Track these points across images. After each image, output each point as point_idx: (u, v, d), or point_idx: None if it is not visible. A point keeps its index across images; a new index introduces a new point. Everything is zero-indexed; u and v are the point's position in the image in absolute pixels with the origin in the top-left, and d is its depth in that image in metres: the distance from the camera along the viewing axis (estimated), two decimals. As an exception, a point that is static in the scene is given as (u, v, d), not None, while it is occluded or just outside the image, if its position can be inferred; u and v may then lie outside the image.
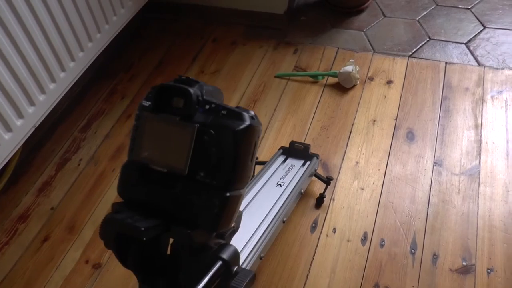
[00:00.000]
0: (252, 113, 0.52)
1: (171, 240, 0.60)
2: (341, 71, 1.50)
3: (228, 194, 0.51)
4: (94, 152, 1.46)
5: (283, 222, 0.97)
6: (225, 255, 0.56)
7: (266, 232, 0.87)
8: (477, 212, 1.18)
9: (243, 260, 0.82)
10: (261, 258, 0.85)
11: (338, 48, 1.68)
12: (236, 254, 0.58)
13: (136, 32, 1.86)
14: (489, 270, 1.07)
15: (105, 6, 1.43)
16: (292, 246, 1.15)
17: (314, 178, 1.21)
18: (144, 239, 0.48)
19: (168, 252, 0.60)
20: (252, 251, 0.83)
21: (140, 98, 1.60)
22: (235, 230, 0.62)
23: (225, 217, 0.52)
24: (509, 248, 1.11)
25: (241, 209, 0.63)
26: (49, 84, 1.27)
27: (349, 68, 1.48)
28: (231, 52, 1.72)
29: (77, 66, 1.37)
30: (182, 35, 1.84)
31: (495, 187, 1.23)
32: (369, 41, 1.70)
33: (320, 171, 1.29)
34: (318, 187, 1.26)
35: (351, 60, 1.54)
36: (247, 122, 0.50)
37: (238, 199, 0.53)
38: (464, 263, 1.09)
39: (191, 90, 0.51)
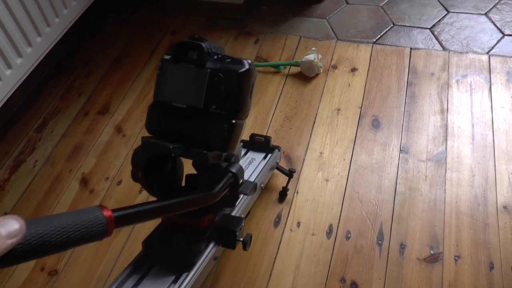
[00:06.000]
0: (250, 61, 0.68)
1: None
2: (303, 60, 1.45)
3: (234, 121, 0.67)
4: (50, 153, 1.39)
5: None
6: (234, 169, 0.72)
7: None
8: (444, 198, 1.16)
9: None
10: (215, 259, 0.81)
11: (300, 37, 1.64)
12: (241, 170, 0.75)
13: (93, 26, 1.79)
14: (456, 258, 1.05)
15: (53, -1, 1.36)
16: (254, 243, 1.11)
17: (276, 171, 1.17)
18: (173, 154, 0.64)
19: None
20: (205, 252, 0.78)
21: (98, 95, 1.54)
22: (237, 158, 0.76)
23: (232, 140, 0.68)
24: (475, 234, 1.08)
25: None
26: (-6, 83, 1.21)
27: (311, 56, 1.44)
28: (191, 44, 1.67)
29: (25, 63, 1.29)
30: (140, 28, 1.77)
31: (461, 172, 1.20)
32: (332, 28, 1.66)
33: (283, 164, 1.25)
34: (281, 180, 1.21)
35: (313, 48, 1.49)
36: (247, 66, 0.67)
37: (241, 127, 0.70)
38: (431, 252, 1.06)
39: (203, 44, 0.66)
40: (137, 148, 0.67)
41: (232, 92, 0.66)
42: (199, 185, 0.74)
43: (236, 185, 0.73)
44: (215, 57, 0.67)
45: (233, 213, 0.89)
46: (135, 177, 0.68)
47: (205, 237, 0.77)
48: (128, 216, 0.51)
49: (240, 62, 0.67)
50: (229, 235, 0.79)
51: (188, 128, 0.67)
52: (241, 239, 0.80)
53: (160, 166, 0.71)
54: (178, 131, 0.68)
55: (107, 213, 0.44)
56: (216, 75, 0.66)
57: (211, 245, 0.79)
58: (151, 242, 0.76)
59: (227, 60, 0.67)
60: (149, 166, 0.67)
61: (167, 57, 0.69)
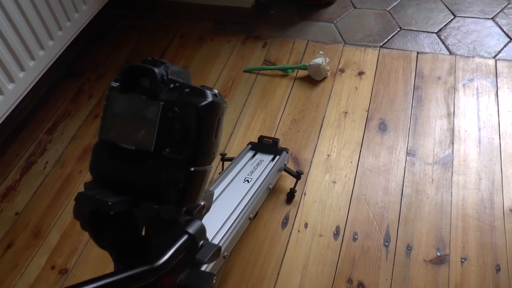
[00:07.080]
0: (216, 91, 0.54)
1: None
2: (310, 63, 1.47)
3: (192, 169, 0.52)
4: (60, 154, 1.41)
5: (250, 219, 0.93)
6: (191, 229, 0.56)
7: (231, 230, 0.84)
8: (451, 201, 1.16)
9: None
10: (224, 257, 0.82)
11: (308, 41, 1.66)
12: (202, 229, 0.58)
13: (102, 30, 1.81)
14: (462, 259, 1.06)
15: (66, 2, 1.38)
16: (262, 244, 1.12)
17: (284, 173, 1.19)
18: (112, 213, 0.49)
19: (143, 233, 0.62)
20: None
21: (107, 97, 1.56)
22: (204, 208, 0.61)
23: (190, 192, 0.53)
24: (482, 236, 1.09)
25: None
26: (7, 84, 1.23)
27: (318, 60, 1.46)
28: (199, 48, 1.69)
29: (37, 66, 1.32)
30: (149, 32, 1.80)
31: (468, 175, 1.21)
32: (339, 33, 1.68)
33: (291, 166, 1.26)
34: (289, 182, 1.23)
35: (320, 52, 1.51)
36: (210, 99, 0.52)
37: (203, 175, 0.55)
38: (438, 254, 1.07)
39: (156, 70, 0.52)
40: (78, 195, 0.52)
41: (189, 132, 0.52)
42: (152, 250, 0.59)
43: (195, 249, 0.58)
44: (172, 85, 0.52)
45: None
46: (83, 226, 0.54)
47: None
48: None
49: (201, 94, 0.52)
50: None
51: (137, 176, 0.53)
52: None
53: (110, 216, 0.54)
54: (126, 179, 0.54)
55: None
56: (171, 109, 0.51)
57: None
58: None
59: (186, 90, 0.52)
60: (96, 217, 0.53)
61: (114, 84, 0.54)
